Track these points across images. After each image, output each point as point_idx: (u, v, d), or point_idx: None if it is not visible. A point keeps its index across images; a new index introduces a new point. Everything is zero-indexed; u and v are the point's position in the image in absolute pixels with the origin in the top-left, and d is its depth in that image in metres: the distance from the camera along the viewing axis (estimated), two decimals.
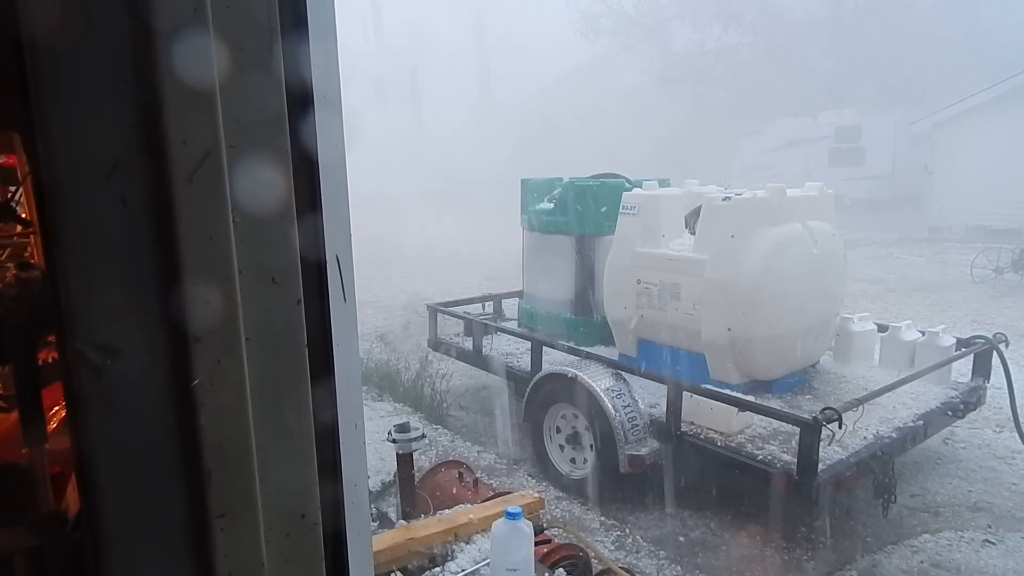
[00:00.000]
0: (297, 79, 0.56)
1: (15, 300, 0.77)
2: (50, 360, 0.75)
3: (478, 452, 5.74)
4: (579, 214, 5.95)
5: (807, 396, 4.90)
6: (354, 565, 0.65)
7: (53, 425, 0.70)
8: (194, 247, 0.49)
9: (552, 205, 6.21)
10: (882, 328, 5.61)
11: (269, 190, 0.53)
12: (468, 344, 6.42)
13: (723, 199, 4.73)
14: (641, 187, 5.53)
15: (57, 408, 0.75)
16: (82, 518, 0.54)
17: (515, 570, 2.03)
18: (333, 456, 0.61)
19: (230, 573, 0.53)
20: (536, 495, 2.83)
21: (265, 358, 0.53)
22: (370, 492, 4.84)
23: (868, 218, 18.38)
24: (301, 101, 0.57)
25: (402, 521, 2.72)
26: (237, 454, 0.52)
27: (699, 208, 4.99)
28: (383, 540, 2.46)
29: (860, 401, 4.08)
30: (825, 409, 3.79)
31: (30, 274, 0.83)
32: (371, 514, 4.71)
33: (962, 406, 4.99)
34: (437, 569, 2.36)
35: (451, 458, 4.46)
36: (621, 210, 5.32)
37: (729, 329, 4.58)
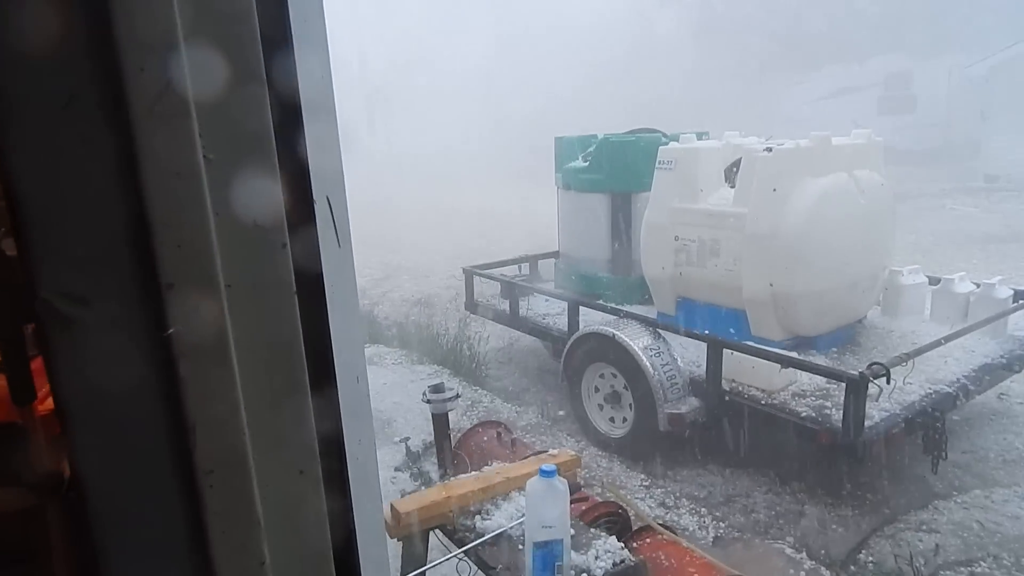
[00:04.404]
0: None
1: None
2: None
3: (517, 412, 5.77)
4: (614, 171, 5.82)
5: (853, 352, 4.76)
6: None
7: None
8: (160, 187, 0.45)
9: (587, 163, 6.10)
10: (933, 281, 5.40)
11: (243, 123, 0.48)
12: (505, 306, 6.40)
13: (764, 150, 4.56)
14: (678, 141, 5.37)
15: None
16: (72, 476, 0.52)
17: (550, 527, 2.02)
18: (333, 415, 0.58)
19: (223, 532, 0.51)
20: (572, 453, 2.81)
21: (248, 307, 0.50)
22: (412, 452, 4.92)
23: (920, 168, 17.65)
24: (280, 29, 0.52)
25: (439, 481, 2.74)
26: (222, 410, 0.49)
27: (739, 160, 4.82)
28: (420, 500, 2.48)
29: (909, 356, 3.94)
30: (872, 364, 3.67)
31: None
32: (413, 472, 4.79)
33: (1019, 360, 4.79)
34: (476, 523, 2.37)
35: (489, 418, 4.47)
36: (657, 165, 5.18)
37: (771, 285, 4.45)
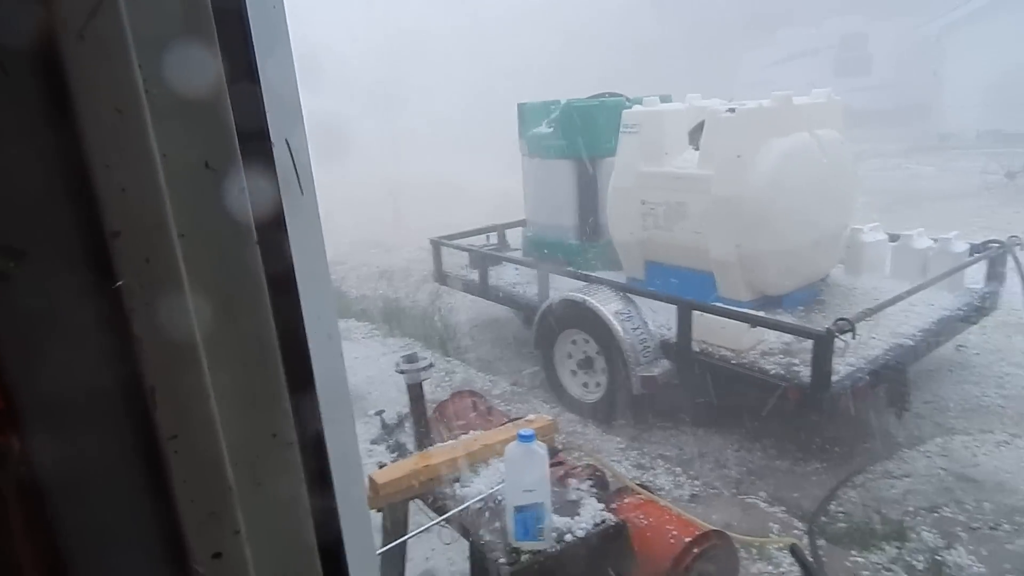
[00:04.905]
0: None
1: None
2: None
3: (491, 381, 5.77)
4: (579, 136, 5.78)
5: (819, 310, 4.84)
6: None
7: None
8: (99, 124, 0.40)
9: (551, 129, 6.04)
10: (893, 237, 5.50)
11: (188, 53, 0.44)
12: (474, 276, 6.36)
13: (727, 111, 4.56)
14: (641, 104, 5.34)
15: None
16: (22, 449, 0.47)
17: (531, 491, 2.02)
18: (304, 371, 0.54)
19: (192, 500, 0.47)
20: (548, 419, 2.81)
21: (205, 257, 0.46)
22: (387, 424, 4.88)
23: (876, 128, 17.90)
24: None
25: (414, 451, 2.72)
26: (182, 368, 0.45)
27: (703, 123, 4.82)
28: (398, 470, 2.46)
29: (873, 311, 4.01)
30: (838, 320, 3.73)
31: None
32: (390, 444, 4.76)
33: (975, 312, 4.93)
34: (456, 490, 2.36)
35: (464, 388, 4.46)
36: (622, 129, 5.15)
37: (738, 245, 4.48)
